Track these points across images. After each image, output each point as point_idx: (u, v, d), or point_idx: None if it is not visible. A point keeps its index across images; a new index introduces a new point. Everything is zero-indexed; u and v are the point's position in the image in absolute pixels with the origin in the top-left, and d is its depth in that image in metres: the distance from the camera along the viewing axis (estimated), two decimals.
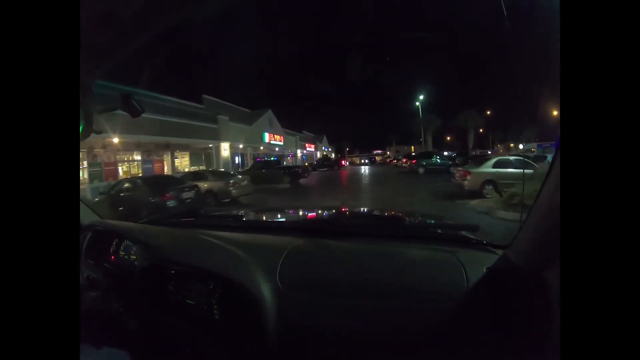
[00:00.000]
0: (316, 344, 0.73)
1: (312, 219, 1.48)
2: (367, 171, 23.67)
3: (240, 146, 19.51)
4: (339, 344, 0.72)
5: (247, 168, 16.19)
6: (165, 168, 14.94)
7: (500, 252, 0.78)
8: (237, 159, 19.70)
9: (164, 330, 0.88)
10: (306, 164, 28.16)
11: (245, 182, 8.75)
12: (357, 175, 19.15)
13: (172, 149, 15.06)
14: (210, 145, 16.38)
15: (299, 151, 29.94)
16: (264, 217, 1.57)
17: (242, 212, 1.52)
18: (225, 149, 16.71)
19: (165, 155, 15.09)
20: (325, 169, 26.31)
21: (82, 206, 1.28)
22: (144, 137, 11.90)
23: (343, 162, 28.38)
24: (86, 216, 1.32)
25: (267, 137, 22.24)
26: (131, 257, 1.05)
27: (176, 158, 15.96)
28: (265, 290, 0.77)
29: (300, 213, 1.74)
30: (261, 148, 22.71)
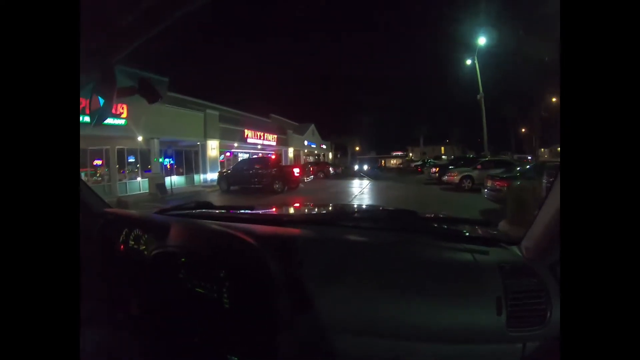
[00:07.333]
0: (329, 333, 0.74)
1: (325, 213, 1.49)
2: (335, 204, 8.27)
3: None
4: (353, 332, 0.73)
5: None
6: None
7: (511, 247, 0.81)
8: None
9: (172, 318, 0.91)
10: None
11: None
12: None
13: None
14: None
15: (211, 144, 14.53)
16: (276, 210, 1.59)
17: (251, 205, 1.59)
18: None
19: None
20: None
21: (93, 195, 1.34)
22: None
23: (296, 173, 12.38)
24: (97, 204, 1.34)
25: None
26: (141, 246, 1.09)
27: None
28: (279, 278, 0.77)
29: (312, 208, 1.76)
30: None
